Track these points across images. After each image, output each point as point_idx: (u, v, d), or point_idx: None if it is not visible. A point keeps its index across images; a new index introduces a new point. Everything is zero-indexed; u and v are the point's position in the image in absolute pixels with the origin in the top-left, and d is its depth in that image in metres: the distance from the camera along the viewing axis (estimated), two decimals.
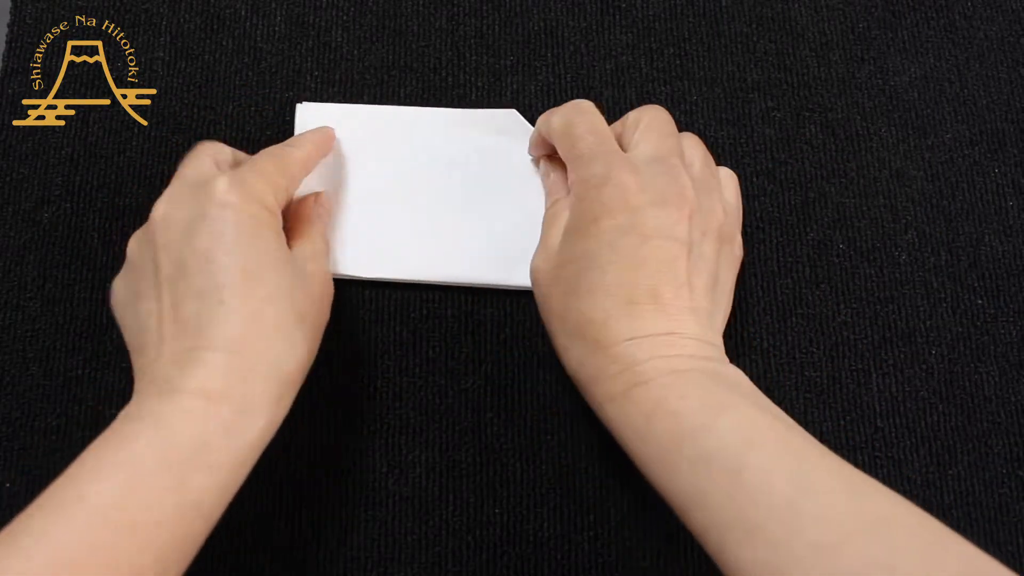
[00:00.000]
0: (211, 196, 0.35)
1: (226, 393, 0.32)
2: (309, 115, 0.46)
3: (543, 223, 0.42)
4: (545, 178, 0.44)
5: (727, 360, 0.37)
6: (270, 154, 0.40)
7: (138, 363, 0.35)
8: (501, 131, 0.46)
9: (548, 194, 0.43)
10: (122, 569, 0.29)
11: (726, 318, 0.40)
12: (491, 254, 0.44)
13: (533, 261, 0.41)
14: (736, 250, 0.41)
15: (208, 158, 0.39)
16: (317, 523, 0.41)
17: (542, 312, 0.40)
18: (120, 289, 0.38)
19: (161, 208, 0.36)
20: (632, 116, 0.41)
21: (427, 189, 0.45)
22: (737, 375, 0.36)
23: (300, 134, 0.44)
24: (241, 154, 0.42)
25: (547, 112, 0.42)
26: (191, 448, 0.31)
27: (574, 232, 0.38)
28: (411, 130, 0.46)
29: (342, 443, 0.42)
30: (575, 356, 0.37)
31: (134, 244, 0.38)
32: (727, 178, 0.43)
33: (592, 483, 0.42)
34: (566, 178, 0.41)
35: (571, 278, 0.38)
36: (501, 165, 0.45)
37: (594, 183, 0.38)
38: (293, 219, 0.42)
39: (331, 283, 0.40)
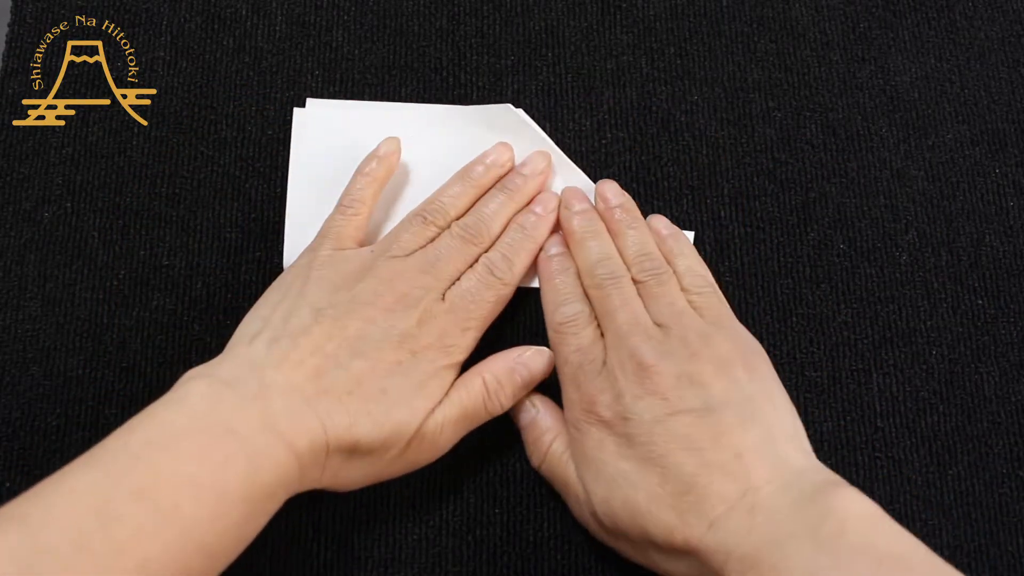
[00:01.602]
0: (427, 349, 0.39)
1: (303, 459, 0.35)
2: (313, 112, 0.46)
3: (554, 476, 0.40)
4: (532, 417, 0.42)
5: (820, 468, 0.36)
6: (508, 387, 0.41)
7: (260, 348, 0.37)
8: (498, 127, 0.46)
9: (536, 436, 0.41)
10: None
11: (795, 418, 0.38)
12: None
13: (580, 518, 0.39)
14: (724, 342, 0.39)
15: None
16: (317, 523, 0.41)
17: (628, 557, 0.38)
18: (312, 274, 0.39)
19: (387, 270, 0.40)
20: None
21: (427, 186, 0.45)
22: (845, 508, 0.33)
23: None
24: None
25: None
26: (266, 492, 0.33)
27: (588, 469, 0.38)
28: (410, 127, 0.46)
29: None
30: (682, 566, 0.35)
31: (353, 261, 0.40)
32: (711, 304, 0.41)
33: None
34: (554, 416, 0.41)
35: (621, 515, 0.36)
36: None
37: (583, 417, 0.38)
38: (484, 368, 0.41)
39: (435, 446, 0.39)
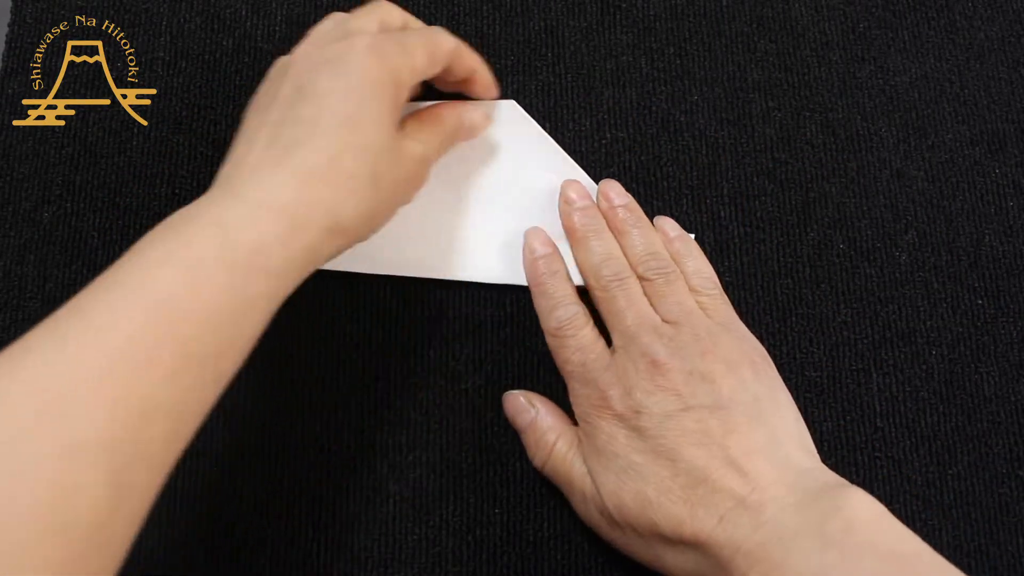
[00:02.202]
0: (350, 48, 0.37)
1: (285, 209, 0.33)
2: None
3: (558, 475, 0.40)
4: (532, 418, 0.41)
5: (825, 470, 0.36)
6: (423, 36, 0.39)
7: (224, 169, 0.36)
8: (500, 122, 0.46)
9: (538, 437, 0.41)
10: (167, 359, 0.30)
11: (799, 421, 0.38)
12: (492, 250, 0.44)
13: (585, 515, 0.39)
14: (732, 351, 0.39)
15: (375, 17, 0.40)
16: (317, 523, 0.41)
17: (634, 554, 0.38)
18: (252, 102, 0.39)
19: (306, 44, 0.39)
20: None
21: (426, 184, 0.45)
22: (852, 507, 0.33)
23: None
24: (413, 20, 0.42)
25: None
26: (248, 252, 0.32)
27: (598, 463, 0.38)
28: None
29: (342, 443, 0.42)
30: (689, 561, 0.36)
31: (276, 66, 0.40)
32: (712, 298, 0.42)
33: None
34: (555, 415, 0.41)
35: (631, 506, 0.36)
36: (501, 157, 0.45)
37: (595, 406, 0.38)
38: (429, 114, 0.41)
39: (424, 176, 0.40)
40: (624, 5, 0.49)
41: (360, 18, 0.40)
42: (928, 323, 0.45)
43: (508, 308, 0.44)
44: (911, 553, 0.32)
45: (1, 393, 0.28)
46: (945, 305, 0.45)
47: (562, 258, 0.43)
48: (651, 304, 0.40)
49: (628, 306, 0.40)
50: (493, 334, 0.43)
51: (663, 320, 0.40)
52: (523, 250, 0.43)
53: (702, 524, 0.35)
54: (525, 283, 0.43)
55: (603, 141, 0.47)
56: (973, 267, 0.46)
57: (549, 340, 0.41)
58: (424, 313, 0.44)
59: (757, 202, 0.46)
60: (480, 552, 0.41)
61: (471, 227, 0.44)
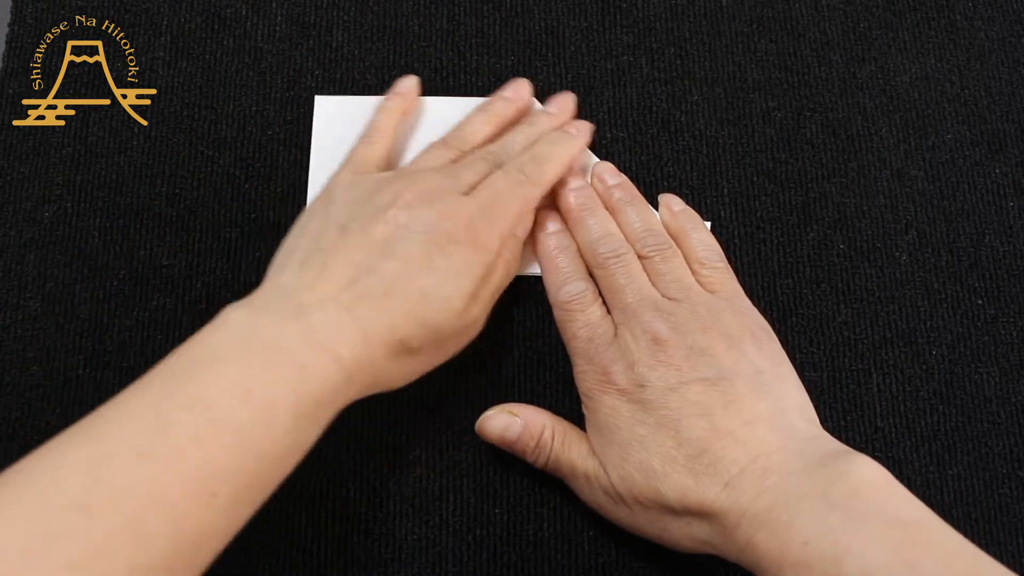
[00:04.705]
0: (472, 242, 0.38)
1: (346, 365, 0.35)
2: (327, 108, 0.46)
3: (561, 464, 0.39)
4: (520, 426, 0.41)
5: (830, 438, 0.36)
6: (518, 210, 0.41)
7: (290, 275, 0.37)
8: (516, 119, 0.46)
9: (535, 438, 0.40)
10: (230, 491, 0.32)
11: (803, 393, 0.38)
12: None
13: (591, 499, 0.39)
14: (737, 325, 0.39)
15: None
16: (317, 523, 0.41)
17: (640, 531, 0.38)
18: (325, 209, 0.39)
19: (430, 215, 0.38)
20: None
21: None
22: (858, 472, 0.33)
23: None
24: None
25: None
26: (313, 403, 0.34)
27: (601, 437, 0.38)
28: (429, 120, 0.46)
29: (342, 443, 0.42)
30: (696, 530, 0.36)
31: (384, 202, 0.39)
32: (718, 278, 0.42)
33: None
34: (537, 412, 0.41)
35: (636, 477, 0.37)
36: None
37: (596, 385, 0.39)
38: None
39: (475, 329, 0.40)
40: (624, 5, 0.49)
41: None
42: (928, 323, 0.45)
43: (508, 308, 0.44)
44: (916, 519, 0.32)
45: (81, 504, 0.29)
46: (945, 305, 0.45)
47: (573, 237, 0.43)
48: (651, 281, 0.41)
49: (627, 283, 0.40)
50: (493, 334, 0.43)
51: (663, 296, 0.40)
52: (534, 228, 0.44)
53: (707, 491, 0.35)
54: (524, 271, 0.43)
55: (603, 141, 0.47)
56: (973, 267, 0.46)
57: (557, 314, 0.41)
58: None
59: (757, 202, 0.46)
60: (480, 552, 0.41)
61: None
